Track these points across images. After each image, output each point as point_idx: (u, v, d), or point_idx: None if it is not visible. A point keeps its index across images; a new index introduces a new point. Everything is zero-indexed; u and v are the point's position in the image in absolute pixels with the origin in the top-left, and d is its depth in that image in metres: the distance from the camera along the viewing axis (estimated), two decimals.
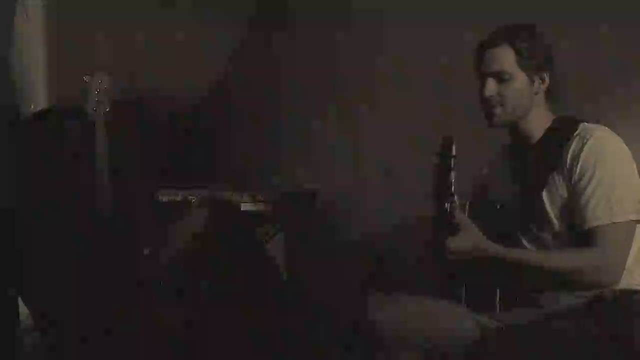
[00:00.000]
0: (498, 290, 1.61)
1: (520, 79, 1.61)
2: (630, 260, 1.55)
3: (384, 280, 2.47)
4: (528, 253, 1.57)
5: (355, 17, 2.77)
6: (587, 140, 1.56)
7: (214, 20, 2.89)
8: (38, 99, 2.53)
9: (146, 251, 2.05)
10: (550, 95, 1.66)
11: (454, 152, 1.43)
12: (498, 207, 1.63)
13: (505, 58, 1.61)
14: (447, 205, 1.44)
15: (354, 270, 2.62)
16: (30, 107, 2.40)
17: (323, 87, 2.87)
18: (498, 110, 1.63)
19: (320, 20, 2.87)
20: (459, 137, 1.49)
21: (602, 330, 1.41)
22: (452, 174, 1.43)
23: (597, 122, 1.63)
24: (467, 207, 1.62)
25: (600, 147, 1.55)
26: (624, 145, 1.59)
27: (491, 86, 1.62)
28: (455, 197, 1.44)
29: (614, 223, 1.51)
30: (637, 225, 1.56)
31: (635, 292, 1.53)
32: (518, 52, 1.60)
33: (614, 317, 1.42)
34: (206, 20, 2.88)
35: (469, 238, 1.49)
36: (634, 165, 1.59)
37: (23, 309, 2.04)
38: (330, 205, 2.73)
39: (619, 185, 1.53)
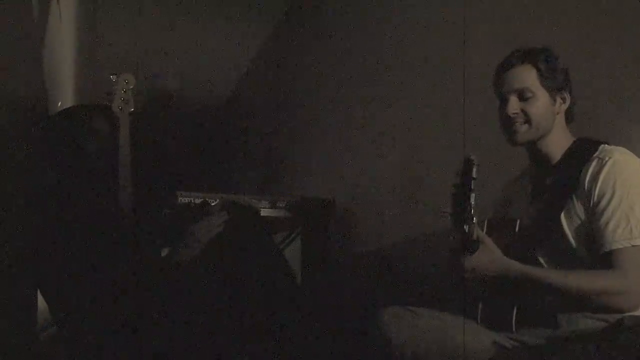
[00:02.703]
0: (515, 309, 1.59)
1: (542, 98, 1.62)
2: None
3: (398, 293, 2.46)
4: (547, 272, 1.55)
5: (372, 24, 2.76)
6: (606, 162, 1.55)
7: (235, 28, 2.91)
8: (65, 96, 2.56)
9: (164, 252, 2.06)
10: (570, 116, 1.65)
11: (474, 174, 1.42)
12: (517, 227, 1.62)
13: (528, 76, 1.62)
14: (466, 226, 1.43)
15: (369, 279, 2.61)
16: (58, 104, 2.43)
17: (345, 96, 2.87)
18: (523, 128, 1.62)
19: (340, 28, 2.88)
20: (478, 153, 1.48)
21: (620, 356, 1.38)
22: (472, 196, 1.42)
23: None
24: (485, 224, 1.61)
25: (619, 169, 1.54)
26: None
27: (514, 104, 1.62)
28: (475, 219, 1.43)
29: (633, 246, 1.50)
30: None
31: None
32: (540, 72, 1.61)
33: (633, 343, 1.39)
34: (228, 28, 2.90)
35: (488, 255, 1.48)
36: None
37: (42, 304, 2.06)
38: (347, 214, 2.72)
39: (638, 207, 1.51)
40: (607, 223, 1.52)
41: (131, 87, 2.03)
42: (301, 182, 2.90)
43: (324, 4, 2.92)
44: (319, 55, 2.95)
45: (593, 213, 1.55)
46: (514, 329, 1.58)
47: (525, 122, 1.62)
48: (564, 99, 1.64)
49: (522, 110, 1.62)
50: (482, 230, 1.56)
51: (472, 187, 1.43)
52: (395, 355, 1.57)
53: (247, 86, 3.11)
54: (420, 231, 2.39)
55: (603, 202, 1.53)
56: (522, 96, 1.61)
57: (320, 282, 2.56)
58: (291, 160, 2.98)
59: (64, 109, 2.24)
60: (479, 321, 1.63)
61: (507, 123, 1.64)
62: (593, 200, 1.55)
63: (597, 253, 1.54)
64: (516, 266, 1.52)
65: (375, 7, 2.72)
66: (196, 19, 2.83)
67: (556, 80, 1.62)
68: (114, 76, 2.03)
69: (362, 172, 2.76)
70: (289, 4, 2.99)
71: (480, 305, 1.63)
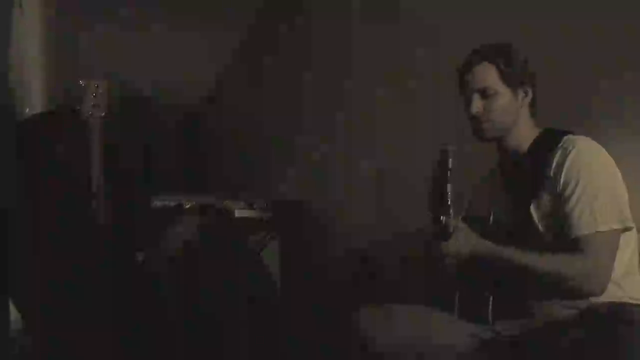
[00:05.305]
0: (491, 301, 1.61)
1: (504, 94, 1.66)
2: (618, 273, 1.57)
3: (377, 291, 2.48)
4: (522, 252, 1.57)
5: (349, 24, 2.78)
6: (570, 151, 1.59)
7: (208, 29, 2.90)
8: (35, 101, 2.53)
9: (139, 257, 2.05)
10: (534, 108, 1.70)
11: (450, 165, 1.45)
12: (491, 220, 1.65)
13: (489, 75, 1.66)
14: (443, 217, 1.45)
15: (348, 279, 2.63)
16: (26, 110, 2.40)
17: (321, 97, 2.88)
18: (486, 125, 1.66)
19: (317, 27, 2.89)
20: (454, 147, 1.50)
21: (593, 343, 1.42)
22: (449, 187, 1.44)
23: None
24: (459, 220, 1.63)
25: (583, 157, 1.58)
26: (607, 154, 1.61)
27: (477, 103, 1.66)
28: (451, 210, 1.45)
29: (597, 232, 1.54)
30: (624, 235, 1.58)
31: (624, 304, 1.55)
32: (499, 69, 1.65)
33: (605, 329, 1.43)
34: (202, 29, 2.89)
35: (464, 237, 1.51)
36: (618, 174, 1.61)
37: (14, 312, 2.03)
38: (324, 214, 2.74)
39: (601, 194, 1.55)
40: (572, 210, 1.56)
41: (102, 91, 2.01)
42: (276, 184, 2.90)
43: (299, 2, 2.93)
44: (295, 55, 2.96)
45: (559, 201, 1.58)
46: (490, 320, 1.61)
47: (488, 120, 1.66)
48: (526, 92, 1.68)
49: (485, 108, 1.66)
50: None
51: (449, 178, 1.45)
52: (373, 353, 1.58)
53: (223, 88, 3.10)
54: (396, 230, 2.42)
55: (568, 190, 1.57)
56: (484, 94, 1.66)
57: (298, 283, 2.57)
58: (268, 162, 2.97)
59: (33, 115, 2.22)
60: (456, 314, 1.66)
61: (473, 121, 1.68)
62: (559, 188, 1.58)
63: (564, 239, 1.57)
64: (492, 246, 1.55)
65: (353, 6, 2.74)
66: (169, 20, 2.81)
67: (517, 75, 1.66)
68: (84, 81, 2.01)
69: (338, 173, 2.77)
70: (263, 3, 2.99)
71: (457, 298, 1.66)
